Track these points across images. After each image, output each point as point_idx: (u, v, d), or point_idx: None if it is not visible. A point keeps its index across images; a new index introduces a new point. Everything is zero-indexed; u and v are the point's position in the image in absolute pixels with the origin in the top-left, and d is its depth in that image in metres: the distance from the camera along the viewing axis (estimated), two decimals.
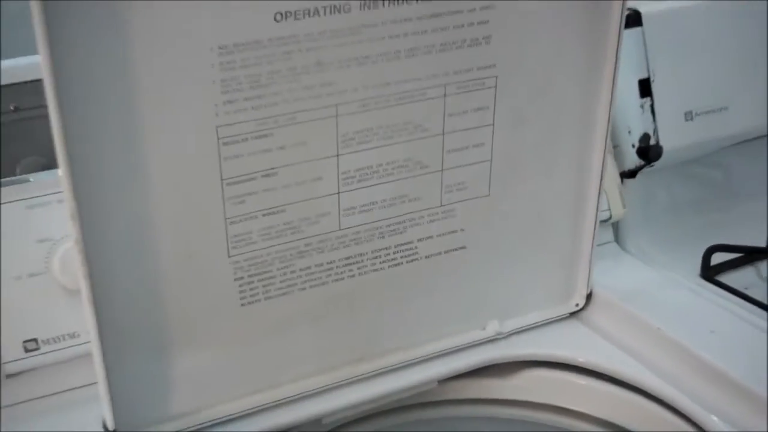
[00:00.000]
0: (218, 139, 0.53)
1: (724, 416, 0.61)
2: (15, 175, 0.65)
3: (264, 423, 0.61)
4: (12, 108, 0.66)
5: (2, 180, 0.61)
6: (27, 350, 0.59)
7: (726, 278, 0.80)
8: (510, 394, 0.70)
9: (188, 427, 0.60)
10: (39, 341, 0.59)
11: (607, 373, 0.67)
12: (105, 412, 0.56)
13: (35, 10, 0.45)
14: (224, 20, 0.50)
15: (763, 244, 0.85)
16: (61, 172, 0.49)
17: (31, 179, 0.61)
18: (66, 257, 0.59)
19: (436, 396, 0.69)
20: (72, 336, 0.60)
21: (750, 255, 0.83)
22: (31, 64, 0.65)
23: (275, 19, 0.51)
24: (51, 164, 0.66)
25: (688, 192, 0.90)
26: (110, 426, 0.56)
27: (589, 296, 0.72)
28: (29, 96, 0.66)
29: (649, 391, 0.65)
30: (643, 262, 0.80)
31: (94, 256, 0.52)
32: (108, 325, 0.54)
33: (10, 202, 0.59)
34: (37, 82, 0.66)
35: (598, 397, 0.68)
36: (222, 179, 0.54)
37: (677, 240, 0.84)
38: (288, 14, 0.51)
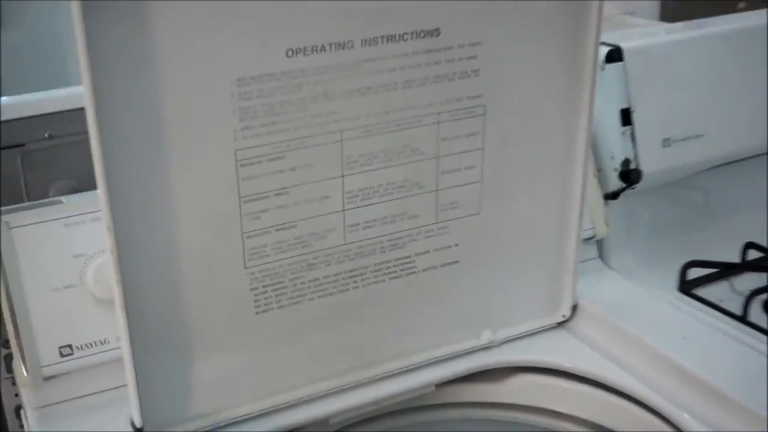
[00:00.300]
0: (236, 161, 0.59)
1: (697, 415, 0.65)
2: (48, 197, 0.71)
3: (276, 423, 0.66)
4: (47, 135, 0.72)
5: (37, 201, 0.67)
6: (62, 355, 0.64)
7: (702, 292, 0.83)
8: (502, 397, 0.74)
9: (208, 426, 0.64)
10: (73, 347, 0.64)
11: (592, 378, 0.71)
12: (133, 411, 0.61)
13: (81, 44, 0.51)
14: (242, 55, 0.56)
15: (736, 260, 0.88)
16: (99, 189, 0.54)
17: (63, 201, 0.66)
18: (99, 271, 0.64)
19: (433, 399, 0.73)
20: (103, 342, 0.65)
21: (724, 270, 0.86)
22: (64, 96, 0.72)
23: (287, 55, 0.57)
24: (80, 187, 0.72)
25: (667, 212, 0.92)
26: (138, 424, 0.61)
27: (574, 308, 0.76)
28: (62, 124, 0.72)
29: (630, 393, 0.69)
30: (625, 277, 0.83)
31: (126, 266, 0.57)
32: (137, 330, 0.58)
33: (50, 220, 0.64)
34: (70, 112, 0.73)
35: (584, 400, 0.72)
36: (240, 197, 0.60)
37: (657, 256, 0.87)
38: (298, 50, 0.57)
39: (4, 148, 0.71)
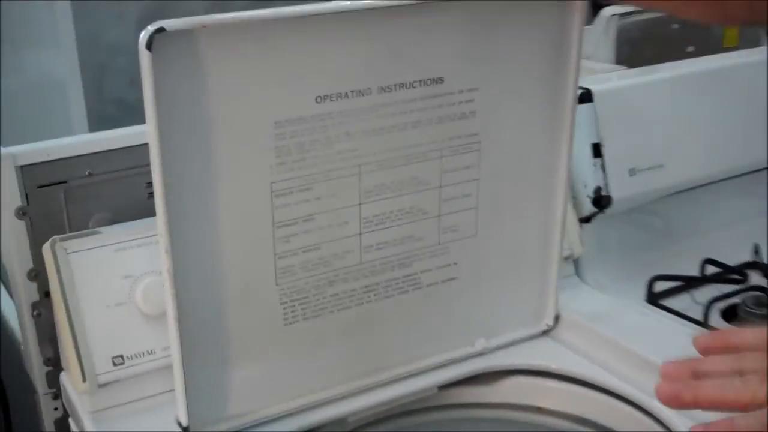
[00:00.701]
0: (272, 192, 0.68)
1: None
2: (88, 227, 0.79)
3: (301, 422, 0.74)
4: (87, 173, 0.80)
5: (77, 232, 0.74)
6: (115, 364, 0.72)
7: (667, 302, 0.91)
8: (496, 398, 0.83)
9: (243, 425, 0.72)
10: (124, 357, 0.72)
11: (575, 377, 0.80)
12: (180, 412, 0.68)
13: (148, 91, 0.59)
14: (280, 102, 0.65)
15: (696, 274, 0.97)
16: (158, 217, 0.63)
17: (101, 231, 0.75)
18: (146, 290, 0.72)
19: (437, 401, 0.81)
20: (150, 353, 0.73)
21: (686, 283, 0.95)
22: (103, 138, 0.80)
23: (316, 101, 0.67)
24: (116, 219, 0.80)
25: (634, 233, 1.01)
26: (184, 423, 0.69)
27: (557, 318, 0.84)
28: (101, 163, 0.80)
29: (609, 388, 0.77)
30: (599, 291, 0.91)
31: (178, 284, 0.65)
32: (185, 340, 0.66)
33: (102, 246, 0.72)
34: (108, 152, 0.81)
35: (569, 397, 0.81)
36: (273, 223, 0.69)
37: (626, 272, 0.95)
38: (325, 97, 0.67)
39: (49, 185, 0.79)
